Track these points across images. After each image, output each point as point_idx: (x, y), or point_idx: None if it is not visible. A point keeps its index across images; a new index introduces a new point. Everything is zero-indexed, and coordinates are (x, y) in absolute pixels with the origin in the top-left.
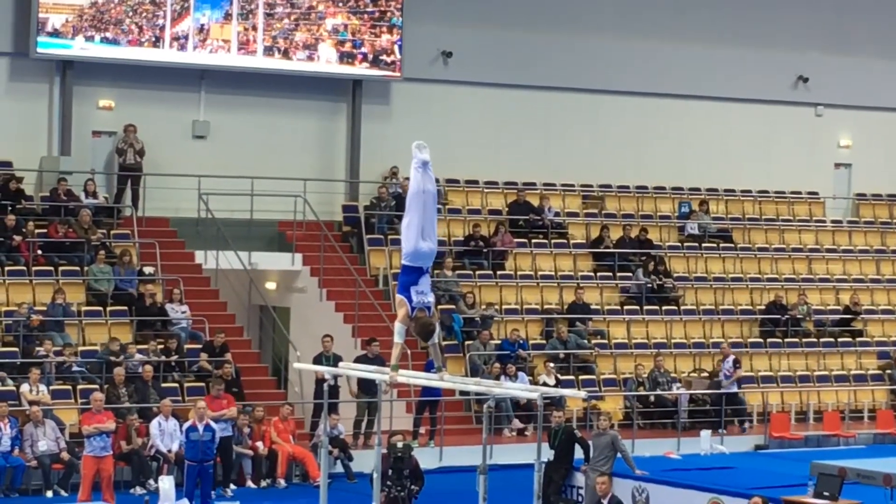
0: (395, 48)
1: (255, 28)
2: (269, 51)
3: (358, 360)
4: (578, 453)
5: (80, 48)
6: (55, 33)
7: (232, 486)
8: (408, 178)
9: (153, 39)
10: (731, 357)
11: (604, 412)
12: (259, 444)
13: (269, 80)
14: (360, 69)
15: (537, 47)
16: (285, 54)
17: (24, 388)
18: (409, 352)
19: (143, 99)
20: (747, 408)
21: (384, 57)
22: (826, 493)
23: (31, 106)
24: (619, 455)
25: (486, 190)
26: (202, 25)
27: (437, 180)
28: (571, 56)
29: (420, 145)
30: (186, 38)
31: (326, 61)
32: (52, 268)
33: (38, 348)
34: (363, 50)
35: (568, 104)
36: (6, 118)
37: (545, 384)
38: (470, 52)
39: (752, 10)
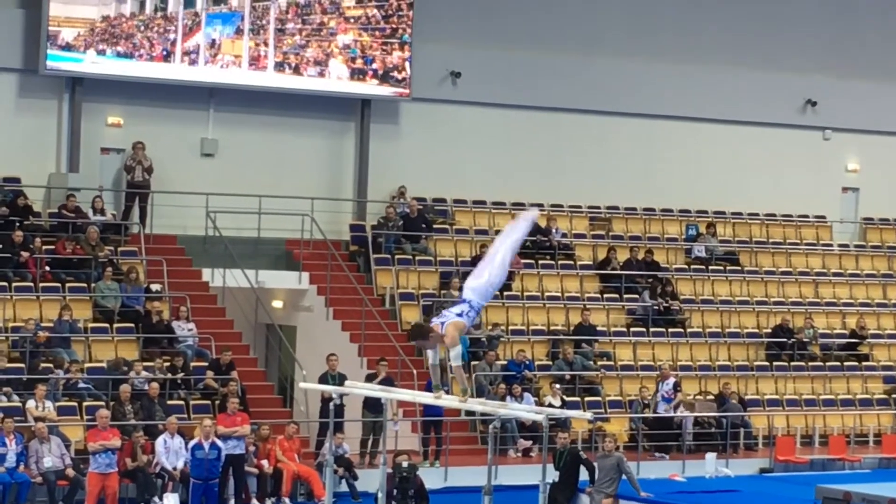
0: (406, 65)
1: (266, 44)
2: (280, 66)
3: (367, 379)
4: (583, 475)
5: (91, 62)
6: (66, 47)
7: None
8: (415, 198)
9: (164, 54)
10: (672, 379)
11: (609, 434)
12: (264, 462)
13: (278, 99)
14: (369, 87)
15: (546, 68)
16: (296, 70)
17: (30, 403)
18: (414, 371)
19: (152, 116)
20: (753, 431)
21: (395, 74)
22: None
23: (39, 122)
24: (624, 477)
25: (493, 210)
26: (213, 41)
27: (445, 200)
28: (580, 78)
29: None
30: (197, 52)
31: (337, 77)
32: (59, 284)
33: (43, 364)
34: (374, 66)
35: (576, 126)
36: (15, 134)
37: (551, 405)
38: (479, 73)
39: (760, 33)
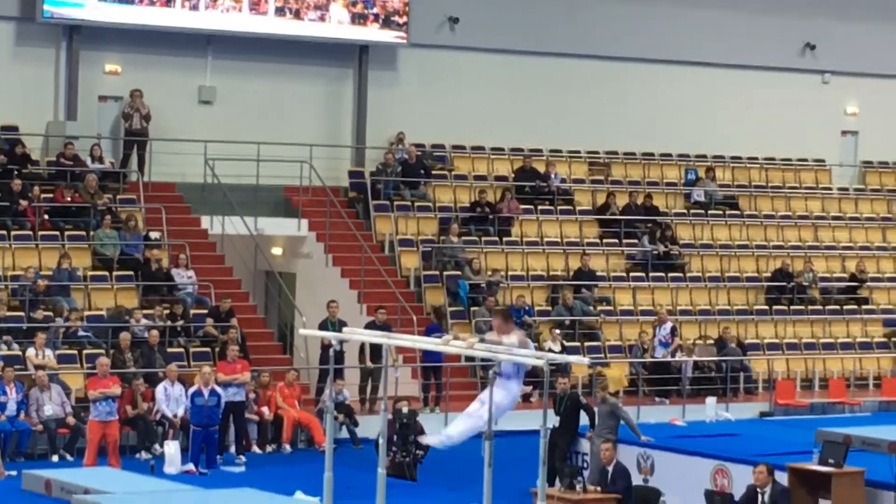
0: (407, 9)
1: None
2: (280, 11)
3: (367, 327)
4: (584, 420)
5: (92, 7)
6: None
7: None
8: (414, 145)
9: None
10: (669, 324)
11: (601, 379)
12: (265, 409)
13: (276, 46)
14: (368, 31)
15: (544, 14)
16: (297, 15)
17: (31, 352)
18: (414, 318)
19: (150, 64)
20: (753, 375)
21: (396, 18)
22: (831, 461)
23: (37, 71)
24: (623, 423)
25: (492, 156)
26: None
27: (444, 146)
28: (578, 23)
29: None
30: None
31: (338, 22)
32: (58, 232)
33: (42, 313)
34: (374, 11)
35: (574, 71)
36: (12, 83)
37: (551, 350)
38: (477, 18)
39: None
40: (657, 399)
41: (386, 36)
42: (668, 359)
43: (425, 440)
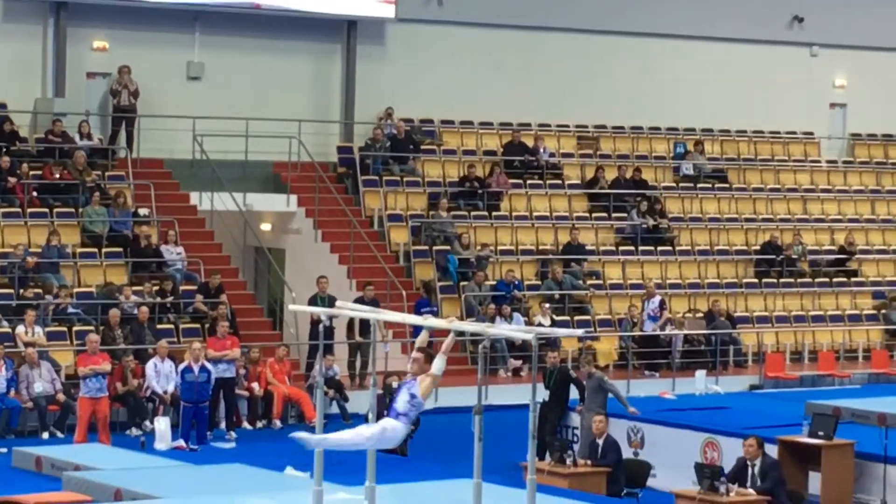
0: None
1: None
2: None
3: (355, 302)
4: (573, 394)
5: None
6: None
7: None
8: (402, 119)
9: None
10: (657, 297)
11: (584, 354)
12: (255, 385)
13: (264, 21)
14: (357, 5)
15: None
16: None
17: (20, 329)
18: (404, 293)
19: (138, 40)
20: (742, 348)
21: None
22: (821, 433)
23: (24, 47)
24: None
25: (480, 131)
26: None
27: (432, 121)
28: None
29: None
30: None
31: None
32: (46, 210)
33: (32, 290)
34: None
35: (563, 45)
36: (0, 60)
37: (540, 325)
38: None
39: None
40: (647, 373)
41: (374, 10)
42: (658, 332)
43: (301, 436)
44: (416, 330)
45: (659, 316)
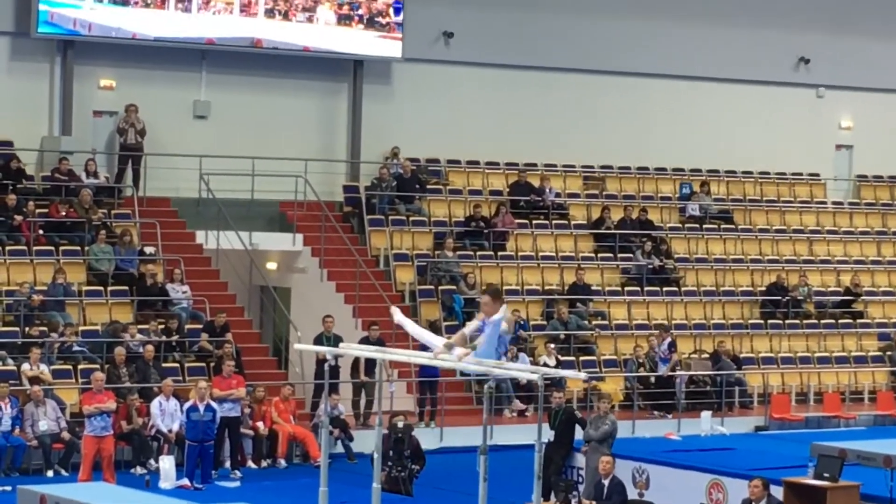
0: (391, 11)
1: None
2: (269, 13)
3: (360, 342)
4: (578, 434)
5: (89, 9)
6: None
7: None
8: (409, 159)
9: (159, 1)
10: (668, 339)
11: (604, 395)
12: (260, 424)
13: (271, 60)
14: (360, 39)
15: (538, 28)
16: (285, 16)
17: (25, 367)
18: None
19: (144, 79)
20: (748, 389)
21: (380, 19)
22: (826, 475)
23: (32, 85)
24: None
25: (487, 170)
26: None
27: (438, 160)
28: (573, 37)
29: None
30: (191, 0)
31: (325, 23)
32: (52, 247)
33: (37, 328)
34: (360, 12)
35: (569, 85)
36: (7, 97)
37: (546, 365)
38: (471, 33)
39: None
40: (655, 413)
41: (381, 50)
42: (669, 373)
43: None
44: (424, 370)
45: (669, 358)
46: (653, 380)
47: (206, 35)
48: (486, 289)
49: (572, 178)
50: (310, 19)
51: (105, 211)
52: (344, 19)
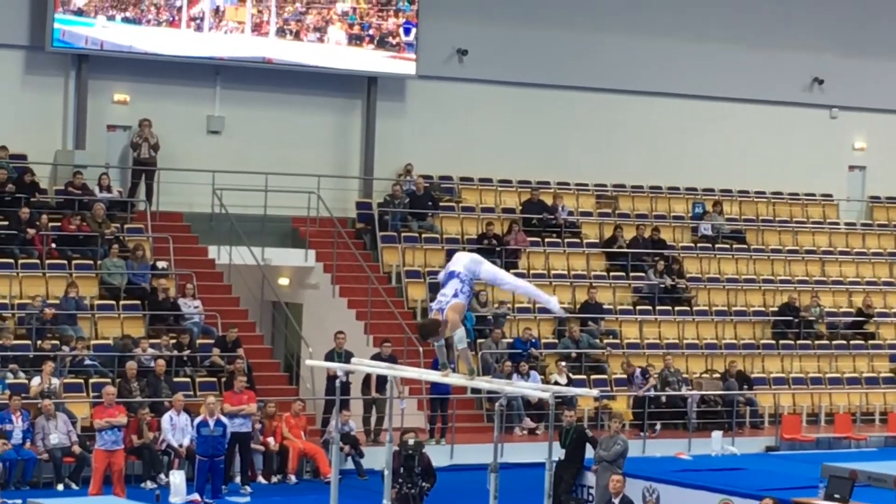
0: (401, 31)
1: (268, 9)
2: (281, 32)
3: (372, 359)
4: (589, 453)
5: (101, 26)
6: (78, 12)
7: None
8: (421, 176)
9: (171, 20)
10: (636, 370)
11: (616, 414)
12: (270, 439)
13: (284, 76)
14: (372, 58)
15: (552, 46)
16: (297, 36)
17: (36, 381)
18: (420, 349)
19: (158, 93)
20: (759, 409)
21: (390, 39)
22: (837, 496)
23: (46, 99)
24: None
25: (499, 188)
26: (217, 7)
27: (451, 178)
28: (586, 55)
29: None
30: (202, 19)
31: (336, 43)
32: (65, 261)
33: (49, 342)
34: (370, 32)
35: (582, 103)
36: (21, 111)
37: (557, 383)
38: (485, 50)
39: (767, 11)
40: (656, 429)
41: (395, 67)
42: (644, 393)
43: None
44: (434, 387)
45: (644, 384)
46: (664, 399)
47: (218, 54)
48: (420, 330)
49: (585, 197)
50: (321, 39)
51: (118, 225)
52: (355, 39)
